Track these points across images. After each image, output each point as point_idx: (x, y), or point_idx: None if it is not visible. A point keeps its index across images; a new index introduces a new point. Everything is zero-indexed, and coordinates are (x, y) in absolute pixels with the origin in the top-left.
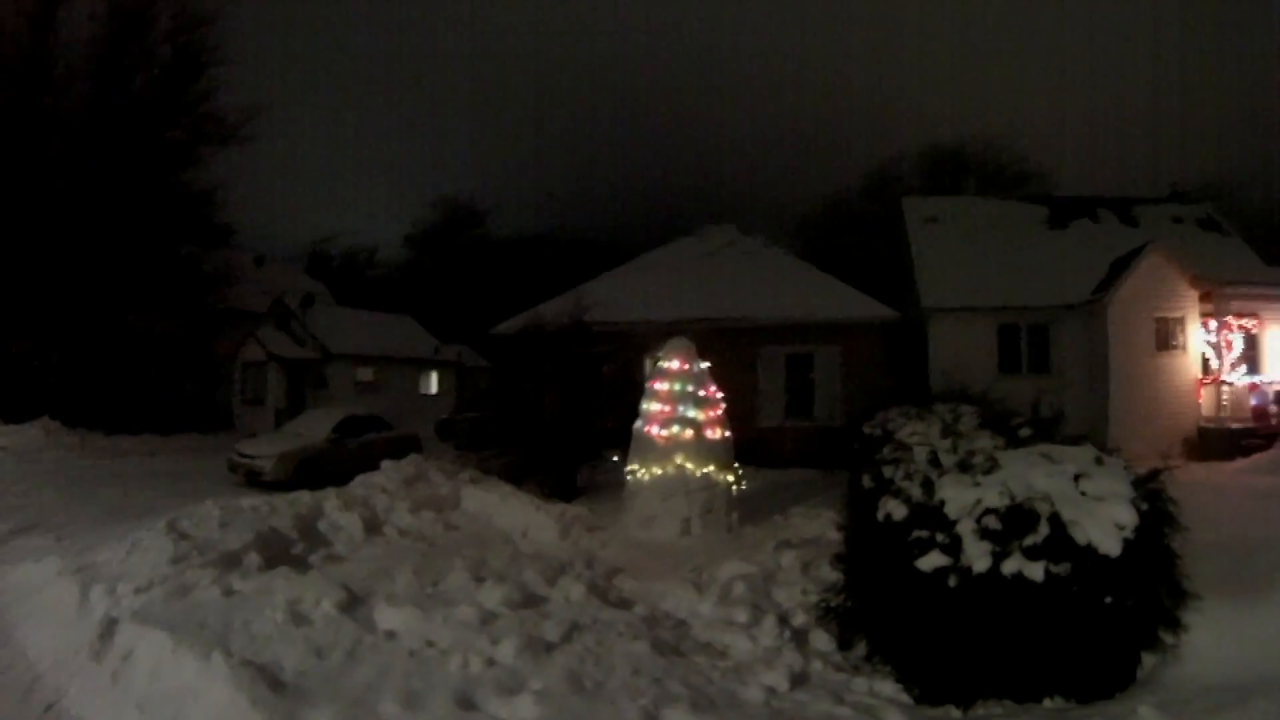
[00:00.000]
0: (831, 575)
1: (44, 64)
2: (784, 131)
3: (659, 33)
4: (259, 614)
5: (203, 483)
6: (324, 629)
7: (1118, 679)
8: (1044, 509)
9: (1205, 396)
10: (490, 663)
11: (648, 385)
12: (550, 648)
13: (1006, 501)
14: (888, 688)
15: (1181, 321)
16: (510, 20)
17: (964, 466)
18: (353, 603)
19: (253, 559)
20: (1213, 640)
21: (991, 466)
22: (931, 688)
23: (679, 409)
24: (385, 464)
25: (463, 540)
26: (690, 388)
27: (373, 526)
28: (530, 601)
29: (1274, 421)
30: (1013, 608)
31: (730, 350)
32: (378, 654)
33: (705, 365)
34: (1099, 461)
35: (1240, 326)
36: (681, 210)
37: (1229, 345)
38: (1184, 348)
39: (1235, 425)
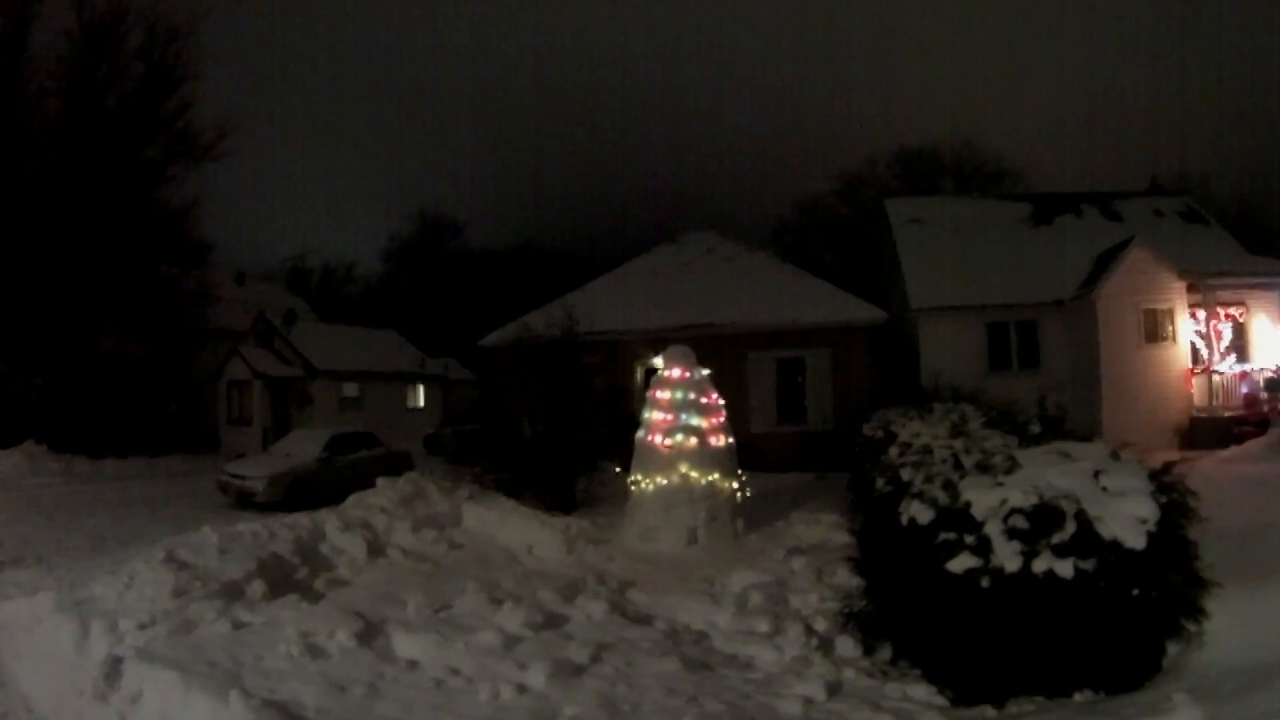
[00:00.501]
0: (847, 581)
1: (15, 81)
2: (755, 136)
3: (630, 43)
4: (271, 648)
5: (193, 507)
6: (341, 661)
7: (1145, 669)
8: (1069, 507)
9: (1196, 386)
10: (521, 689)
11: (648, 394)
12: (580, 670)
13: (1033, 501)
14: (921, 691)
15: (1170, 313)
16: (484, 35)
17: (983, 467)
18: (369, 632)
19: (256, 587)
20: (1230, 626)
21: (1011, 466)
22: (966, 689)
23: (681, 417)
24: (380, 482)
25: (467, 559)
26: (692, 395)
27: (375, 548)
28: (551, 622)
29: (1265, 409)
30: (1043, 605)
31: (719, 357)
32: (401, 686)
33: (705, 372)
34: (1115, 457)
35: (1228, 315)
36: (656, 218)
37: (1218, 335)
38: (1173, 339)
39: (1227, 414)
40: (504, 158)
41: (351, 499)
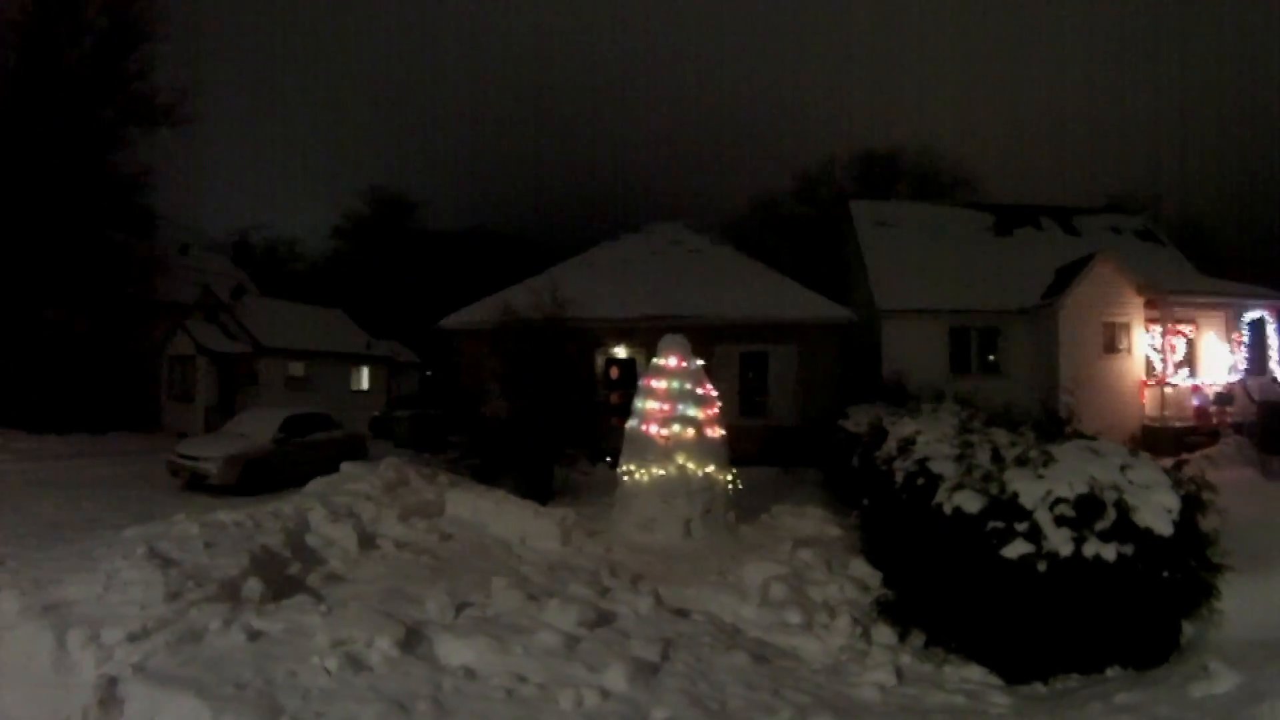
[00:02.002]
0: (862, 572)
1: None
2: (713, 133)
3: (591, 33)
4: (302, 661)
5: (146, 489)
6: (389, 674)
7: (1166, 647)
8: (1110, 497)
9: (1149, 397)
10: (605, 695)
11: (642, 383)
12: (655, 669)
13: (1079, 491)
14: (975, 673)
15: (1127, 326)
16: (446, 19)
17: (1020, 461)
18: (410, 638)
19: (254, 586)
20: (1238, 607)
21: (1048, 460)
22: (1017, 669)
23: (679, 407)
24: (346, 466)
25: (463, 551)
26: (689, 385)
27: (365, 539)
28: (603, 619)
29: (1214, 420)
30: (1087, 587)
31: None
32: (467, 699)
33: (700, 362)
34: (1134, 453)
35: (1180, 332)
36: (612, 209)
37: (1172, 349)
38: (1129, 351)
39: (1178, 424)
40: (459, 142)
41: (314, 484)
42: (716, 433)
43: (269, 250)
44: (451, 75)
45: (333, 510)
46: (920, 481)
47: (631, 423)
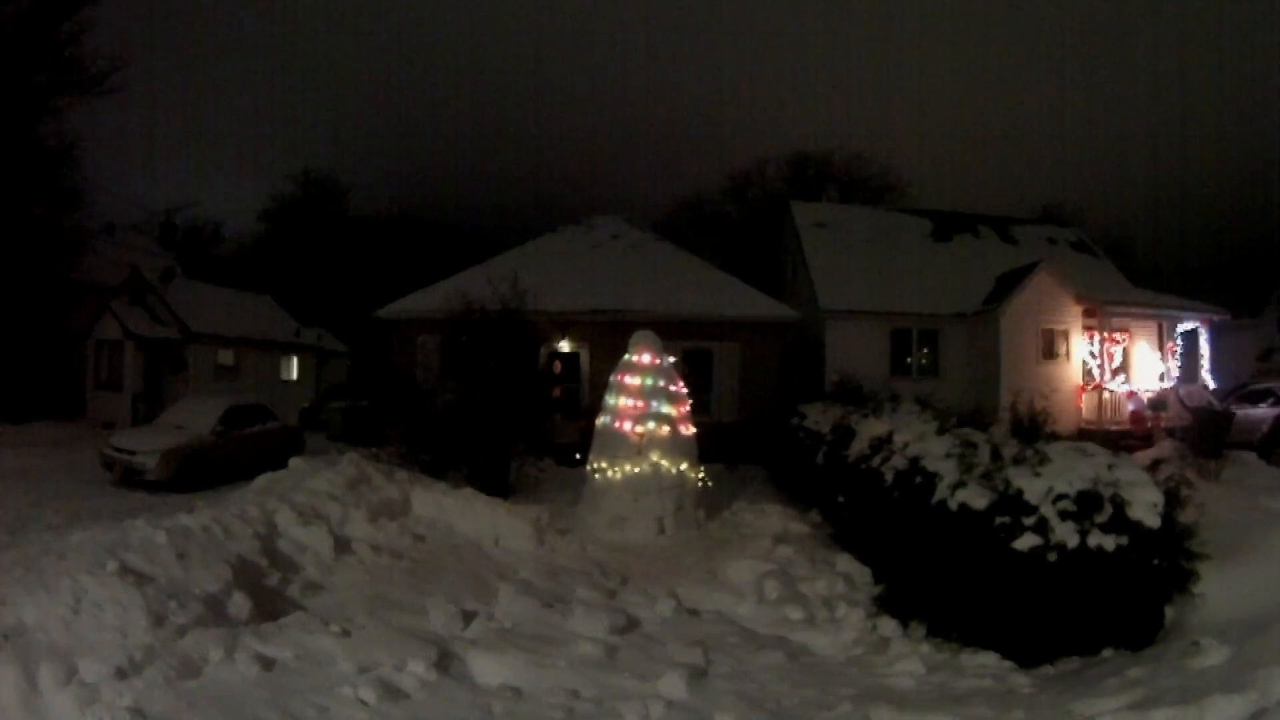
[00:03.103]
0: (849, 567)
1: None
2: (641, 132)
3: (520, 29)
4: (330, 692)
5: (74, 482)
6: (432, 700)
7: (1152, 629)
8: (1106, 492)
9: (1085, 402)
10: (669, 705)
11: (614, 379)
12: (703, 673)
13: (1078, 487)
14: (990, 659)
15: (1066, 334)
16: (383, 4)
17: (1017, 460)
18: (443, 658)
19: (241, 603)
20: (1213, 592)
21: (1043, 459)
22: (1030, 653)
23: (653, 404)
24: (294, 462)
25: (439, 554)
26: (662, 382)
27: (340, 544)
28: (631, 625)
29: (1149, 425)
30: (1089, 576)
31: (625, 344)
32: None
33: (672, 359)
34: (1116, 454)
35: (1115, 340)
36: (540, 203)
37: (1110, 356)
38: (1067, 357)
39: (1114, 428)
40: (390, 129)
41: (261, 480)
42: (689, 430)
43: (193, 232)
44: (386, 63)
45: (299, 511)
46: (918, 480)
47: (603, 419)
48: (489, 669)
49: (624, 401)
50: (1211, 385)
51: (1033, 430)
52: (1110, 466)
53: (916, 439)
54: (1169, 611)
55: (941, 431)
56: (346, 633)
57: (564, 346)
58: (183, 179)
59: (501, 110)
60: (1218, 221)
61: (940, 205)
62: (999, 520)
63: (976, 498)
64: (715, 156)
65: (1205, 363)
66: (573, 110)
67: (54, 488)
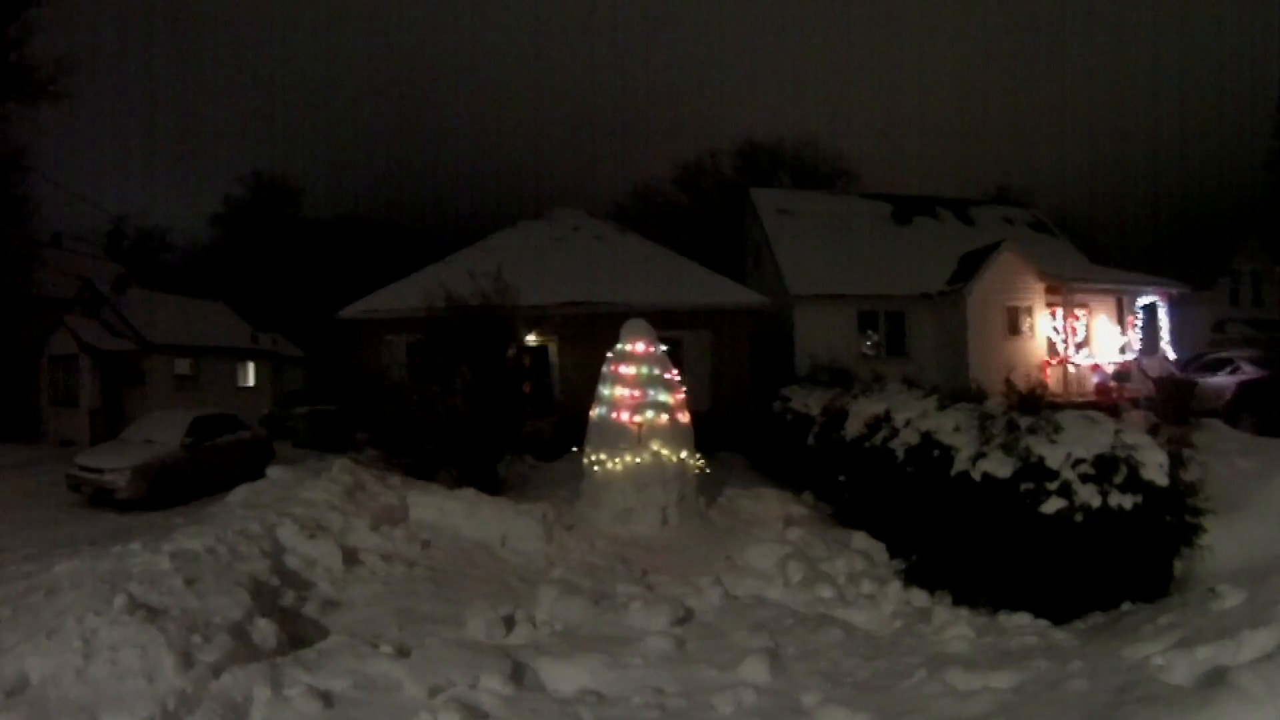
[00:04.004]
0: (863, 544)
1: None
2: (590, 124)
3: (463, 25)
4: (409, 719)
5: (40, 507)
6: (515, 716)
7: (1163, 582)
8: (1122, 454)
9: (1052, 376)
10: (757, 690)
11: (609, 369)
12: (776, 656)
13: (1097, 451)
14: (1025, 619)
15: (1030, 310)
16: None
17: (1031, 430)
18: (515, 670)
19: (264, 630)
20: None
21: (1057, 428)
22: (1060, 610)
23: (649, 393)
24: (273, 470)
25: (451, 559)
26: (657, 370)
27: (348, 555)
28: (688, 615)
29: (1114, 397)
30: (1109, 534)
31: (598, 335)
32: None
33: (664, 347)
34: (1120, 420)
35: (1076, 315)
36: (491, 199)
37: (1073, 331)
38: (1032, 333)
39: (1080, 400)
40: (338, 133)
41: (238, 493)
42: (686, 418)
43: (142, 240)
44: (333, 64)
45: (301, 524)
46: (935, 454)
47: (598, 410)
48: (562, 676)
49: (620, 392)
50: (1172, 356)
51: (1034, 402)
52: (1117, 431)
53: (920, 415)
54: (1177, 565)
55: (943, 407)
56: (402, 653)
57: (531, 340)
58: (127, 186)
59: (449, 107)
60: (1167, 198)
61: (893, 190)
62: (1023, 487)
63: (1000, 467)
64: (664, 147)
65: (1165, 335)
66: (520, 104)
67: (22, 514)
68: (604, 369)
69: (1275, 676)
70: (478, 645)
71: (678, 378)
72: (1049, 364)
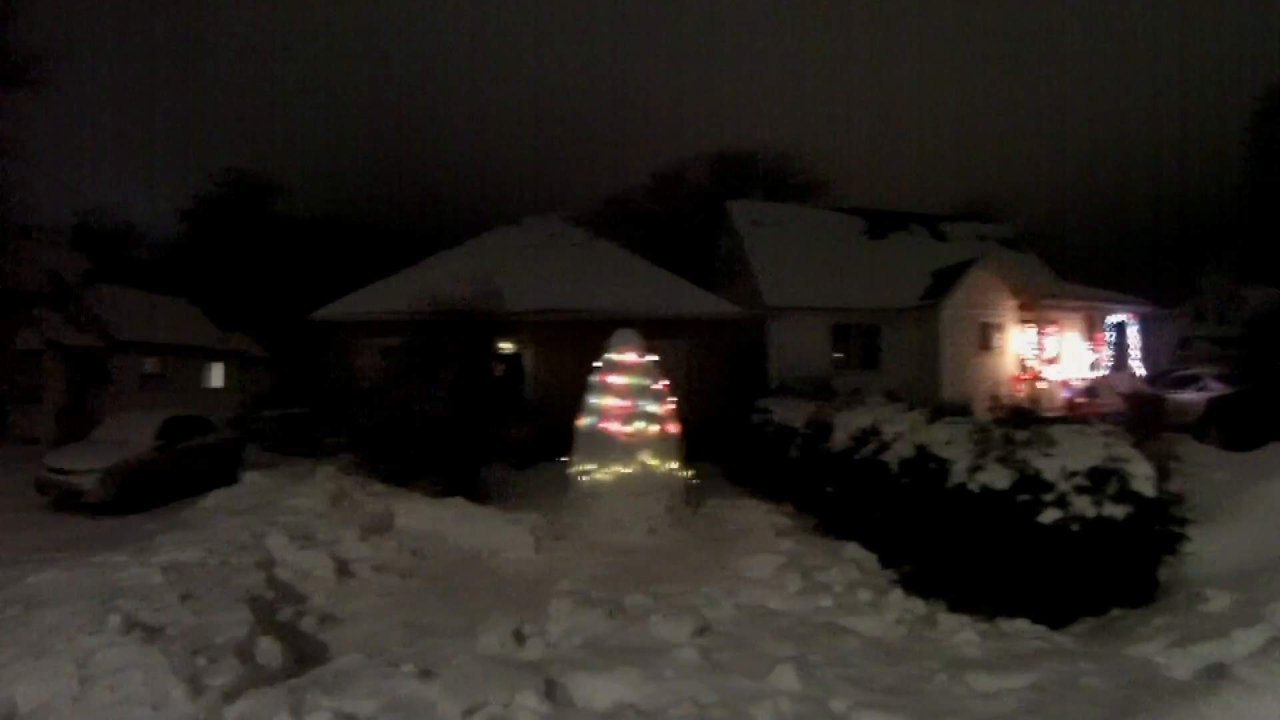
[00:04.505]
0: (855, 554)
1: None
2: (567, 129)
3: (443, 26)
4: None
5: (5, 510)
6: None
7: (1149, 589)
8: (1114, 467)
9: (1022, 390)
10: (791, 698)
11: (598, 380)
12: (805, 663)
13: (1091, 464)
14: (1023, 625)
15: (1002, 326)
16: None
17: (1026, 443)
18: (549, 686)
19: (270, 650)
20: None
21: (1050, 441)
22: (1056, 615)
23: (639, 403)
24: (248, 476)
25: (445, 569)
26: (646, 381)
27: (341, 566)
28: (706, 627)
29: (1084, 411)
30: (1101, 543)
31: (570, 344)
32: None
33: (653, 358)
34: (1107, 433)
35: (1048, 331)
36: (466, 205)
37: (1044, 347)
38: (1004, 348)
39: (1050, 415)
40: (312, 132)
41: (213, 498)
42: (675, 428)
43: (110, 234)
44: (309, 63)
45: (290, 534)
46: (931, 466)
47: (587, 420)
48: (593, 689)
49: (609, 401)
50: (1140, 373)
51: (1023, 416)
52: (1105, 445)
53: (910, 429)
54: (1162, 572)
55: (932, 421)
56: (427, 672)
57: (506, 347)
58: (96, 179)
59: (424, 111)
60: (1135, 217)
61: (864, 203)
62: (1021, 498)
63: (999, 478)
64: (637, 156)
65: (1134, 352)
66: (495, 110)
67: None
68: (593, 378)
69: (1273, 668)
70: (505, 661)
71: (666, 387)
72: (1020, 379)
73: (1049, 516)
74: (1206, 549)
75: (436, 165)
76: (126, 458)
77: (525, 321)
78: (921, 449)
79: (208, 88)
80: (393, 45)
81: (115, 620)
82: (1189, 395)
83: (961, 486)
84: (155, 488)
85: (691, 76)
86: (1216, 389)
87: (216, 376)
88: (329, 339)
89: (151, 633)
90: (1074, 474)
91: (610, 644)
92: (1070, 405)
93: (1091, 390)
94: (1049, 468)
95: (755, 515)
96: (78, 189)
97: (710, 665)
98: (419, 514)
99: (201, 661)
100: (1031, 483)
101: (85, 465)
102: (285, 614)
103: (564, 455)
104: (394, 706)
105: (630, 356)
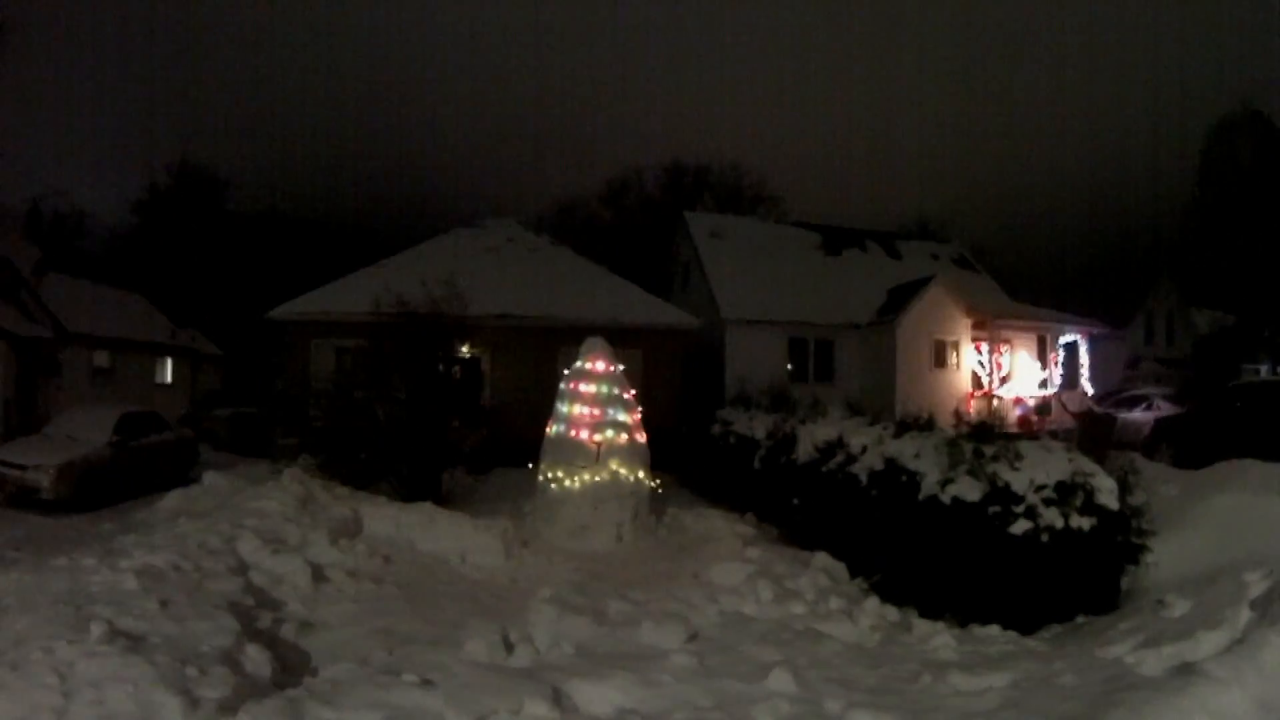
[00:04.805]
0: (824, 562)
1: None
2: (516, 136)
3: (398, 26)
4: None
5: None
6: None
7: (1111, 597)
8: (1080, 481)
9: (975, 407)
10: (789, 700)
11: (567, 387)
12: (794, 666)
13: (1058, 477)
14: (994, 631)
15: (956, 344)
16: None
17: (994, 458)
18: (554, 694)
19: (256, 657)
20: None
21: (1018, 455)
22: (1026, 622)
23: (609, 412)
24: (208, 476)
25: (417, 576)
26: (616, 390)
27: (315, 572)
28: (699, 632)
29: (1034, 429)
30: (1068, 553)
31: (528, 350)
32: None
33: (622, 366)
34: (1069, 449)
35: (1001, 349)
36: (418, 206)
37: (999, 365)
38: (958, 366)
39: (1009, 431)
40: (264, 127)
41: (172, 498)
42: (643, 437)
43: (59, 222)
44: (261, 57)
45: (262, 538)
46: (902, 479)
47: (555, 428)
48: (593, 696)
49: (579, 409)
50: (1090, 392)
51: (988, 431)
52: (1070, 459)
53: (876, 441)
54: (1124, 580)
55: (898, 434)
56: (428, 681)
57: (465, 351)
58: (45, 165)
59: (380, 112)
60: (1084, 238)
61: (816, 218)
62: (991, 510)
63: (970, 491)
64: (587, 162)
65: (1085, 371)
66: (444, 112)
67: None
68: (562, 385)
69: (1238, 664)
70: (499, 669)
71: (635, 397)
72: (973, 396)
73: (1020, 527)
74: (1165, 557)
75: (390, 166)
76: (81, 454)
77: (484, 326)
78: (891, 461)
79: (163, 75)
80: (350, 45)
81: (99, 629)
82: (1138, 414)
83: (933, 498)
84: (110, 485)
85: (643, 85)
86: (1165, 409)
87: (168, 373)
88: (283, 338)
89: (135, 641)
90: (1042, 487)
91: (601, 651)
92: (1022, 422)
93: (1043, 408)
94: (1018, 481)
95: (719, 524)
96: (30, 173)
97: (705, 670)
98: (387, 519)
99: (191, 672)
100: (1002, 495)
101: (38, 460)
102: (264, 621)
103: (520, 461)
104: (399, 718)
105: (600, 365)
